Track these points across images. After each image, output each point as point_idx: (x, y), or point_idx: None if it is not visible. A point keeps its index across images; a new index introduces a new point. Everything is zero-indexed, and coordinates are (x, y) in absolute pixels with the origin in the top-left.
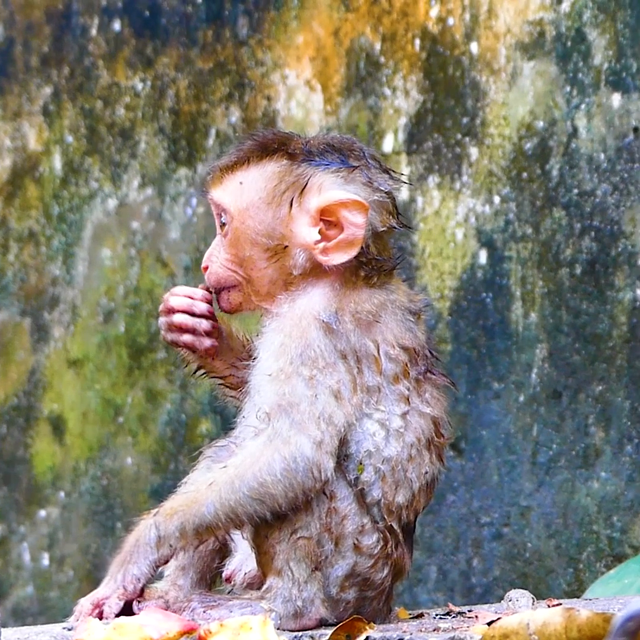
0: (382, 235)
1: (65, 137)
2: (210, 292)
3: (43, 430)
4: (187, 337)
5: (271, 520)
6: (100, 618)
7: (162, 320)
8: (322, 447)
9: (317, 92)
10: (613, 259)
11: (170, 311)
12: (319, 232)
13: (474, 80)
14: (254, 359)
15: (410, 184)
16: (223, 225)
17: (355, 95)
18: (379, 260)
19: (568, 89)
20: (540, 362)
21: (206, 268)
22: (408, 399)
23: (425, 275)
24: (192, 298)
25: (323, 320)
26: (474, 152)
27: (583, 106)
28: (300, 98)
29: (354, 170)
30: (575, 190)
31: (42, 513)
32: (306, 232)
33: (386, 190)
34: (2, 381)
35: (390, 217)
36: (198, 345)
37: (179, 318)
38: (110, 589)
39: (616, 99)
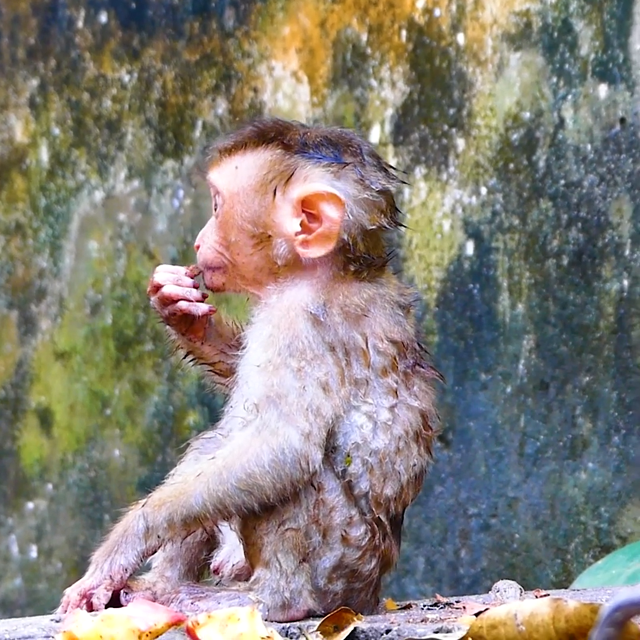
0: (373, 233)
1: (51, 129)
2: (195, 275)
3: (30, 423)
4: (182, 304)
5: (259, 512)
6: (89, 609)
7: (153, 298)
8: (310, 438)
9: (303, 84)
10: (600, 250)
11: (158, 287)
12: (301, 224)
13: (460, 72)
14: (243, 348)
15: (407, 183)
16: (216, 207)
17: (342, 86)
18: (368, 258)
19: (555, 79)
20: (527, 353)
21: (198, 247)
22: (396, 392)
23: (412, 267)
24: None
25: (311, 312)
26: (460, 143)
27: (570, 97)
28: (286, 89)
29: (345, 166)
30: (562, 181)
31: (30, 505)
32: (288, 222)
33: (378, 189)
34: None
35: (382, 216)
36: (195, 311)
37: (168, 289)
38: (97, 580)
39: (603, 89)
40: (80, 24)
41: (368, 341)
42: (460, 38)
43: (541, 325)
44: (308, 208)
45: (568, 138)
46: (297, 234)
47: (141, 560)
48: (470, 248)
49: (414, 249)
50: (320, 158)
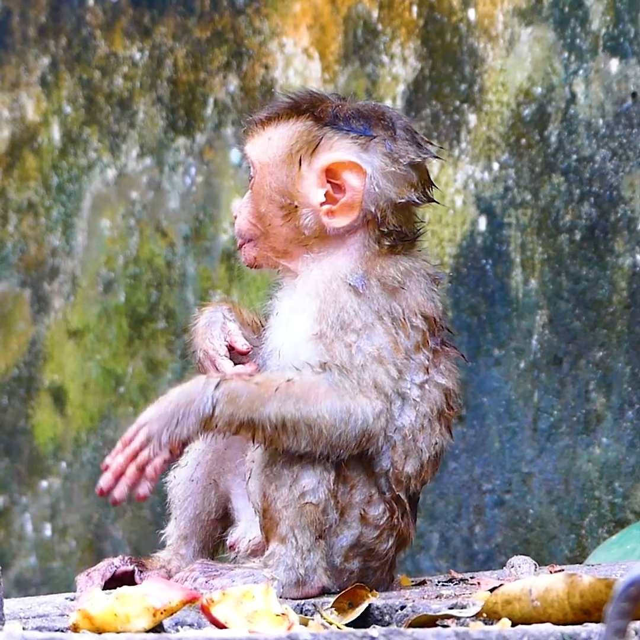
0: (404, 207)
1: (63, 108)
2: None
3: (44, 401)
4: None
5: (283, 479)
6: (139, 476)
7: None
8: (380, 418)
9: (314, 60)
10: (612, 225)
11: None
12: (326, 194)
13: (471, 47)
14: (274, 322)
15: (441, 158)
16: (251, 178)
17: (353, 63)
18: (401, 232)
19: (566, 54)
20: (540, 329)
21: (236, 217)
22: (427, 369)
23: (425, 243)
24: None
25: (350, 284)
26: (472, 118)
27: (581, 72)
28: (298, 66)
29: (372, 139)
30: (574, 156)
31: (44, 484)
32: (314, 192)
33: (406, 163)
34: (2, 352)
35: (412, 190)
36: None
37: None
38: (155, 450)
39: (614, 64)
40: (91, 1)
41: (405, 314)
42: (471, 13)
43: (554, 300)
44: (332, 178)
45: (580, 113)
46: (321, 204)
47: (195, 438)
48: (482, 223)
49: (427, 225)
50: (348, 130)
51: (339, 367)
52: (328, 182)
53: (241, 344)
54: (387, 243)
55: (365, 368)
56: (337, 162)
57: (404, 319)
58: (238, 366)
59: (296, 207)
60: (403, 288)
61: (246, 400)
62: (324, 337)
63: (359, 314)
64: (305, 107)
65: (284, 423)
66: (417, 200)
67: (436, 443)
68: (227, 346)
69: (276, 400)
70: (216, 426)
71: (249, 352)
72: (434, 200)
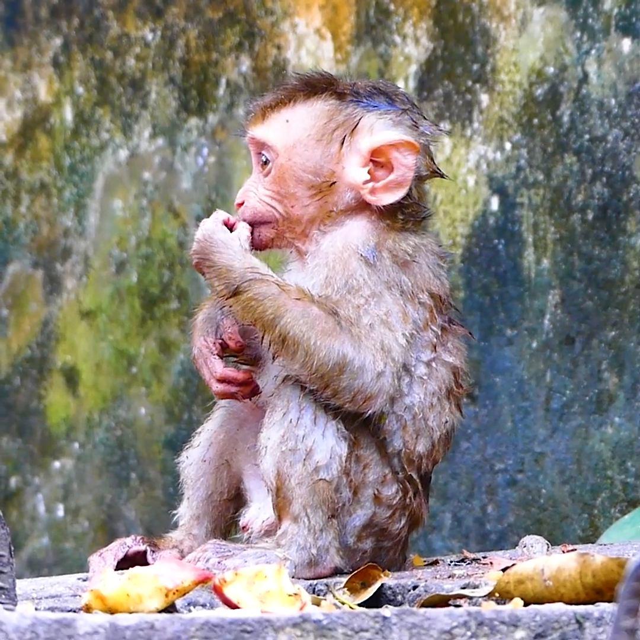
0: (423, 181)
1: (75, 88)
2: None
3: (56, 382)
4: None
5: (297, 454)
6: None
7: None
8: (381, 379)
9: (327, 41)
10: (625, 204)
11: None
12: (369, 172)
13: (484, 27)
14: None
15: (448, 133)
16: (265, 163)
17: (365, 43)
18: (419, 206)
19: (578, 34)
20: (552, 308)
21: (241, 204)
22: (435, 347)
23: (437, 223)
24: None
25: (361, 254)
26: (484, 98)
27: (593, 52)
28: (310, 46)
29: (401, 113)
30: (587, 136)
31: (57, 464)
32: (356, 171)
33: (430, 134)
34: (15, 333)
35: (432, 162)
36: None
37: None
38: (191, 253)
39: (626, 44)
40: None
41: (413, 289)
42: None
43: (566, 280)
44: (377, 157)
45: (592, 93)
46: (365, 182)
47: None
48: (495, 203)
49: (439, 205)
50: (376, 106)
51: (346, 319)
52: (370, 160)
53: (234, 342)
54: (402, 217)
55: (374, 328)
56: (390, 142)
57: (413, 293)
58: (228, 369)
59: (331, 185)
60: (414, 261)
61: (264, 304)
62: (329, 300)
63: (367, 283)
64: (323, 85)
65: (286, 338)
66: (438, 171)
67: (446, 421)
68: (220, 343)
69: (290, 314)
70: (231, 307)
71: (242, 348)
72: (444, 176)
